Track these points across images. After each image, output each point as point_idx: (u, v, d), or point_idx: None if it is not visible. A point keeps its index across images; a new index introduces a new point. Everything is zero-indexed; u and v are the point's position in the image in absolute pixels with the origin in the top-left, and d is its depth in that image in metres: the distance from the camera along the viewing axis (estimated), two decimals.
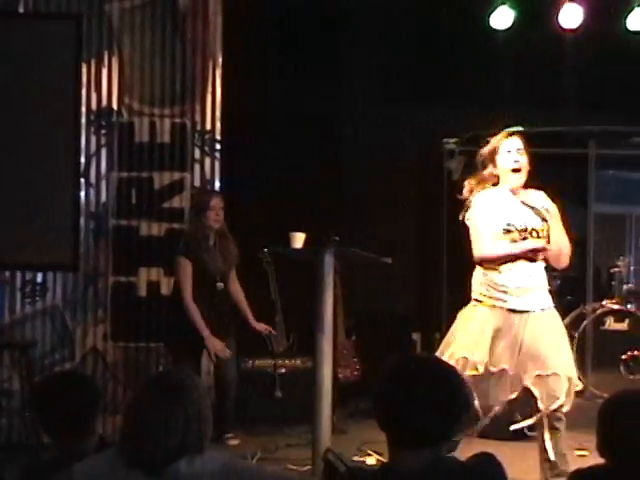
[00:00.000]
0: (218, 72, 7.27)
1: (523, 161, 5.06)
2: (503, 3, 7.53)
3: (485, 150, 5.14)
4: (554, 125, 5.50)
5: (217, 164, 7.30)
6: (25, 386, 6.74)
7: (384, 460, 3.02)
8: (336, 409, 6.49)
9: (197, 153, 7.28)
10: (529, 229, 5.01)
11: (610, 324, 7.90)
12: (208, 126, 7.27)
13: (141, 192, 7.27)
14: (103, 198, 7.27)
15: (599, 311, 7.89)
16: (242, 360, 7.25)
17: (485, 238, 5.01)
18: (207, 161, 7.29)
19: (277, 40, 8.02)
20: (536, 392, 4.92)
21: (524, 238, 4.99)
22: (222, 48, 7.28)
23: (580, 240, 5.29)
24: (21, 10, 7.23)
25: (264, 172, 7.92)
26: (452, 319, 5.28)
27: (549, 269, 5.19)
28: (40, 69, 7.12)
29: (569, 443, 5.10)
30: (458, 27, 7.87)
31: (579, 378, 5.13)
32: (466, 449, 4.99)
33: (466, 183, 5.20)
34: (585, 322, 7.71)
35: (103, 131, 7.25)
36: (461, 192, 5.24)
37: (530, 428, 5.35)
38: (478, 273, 5.10)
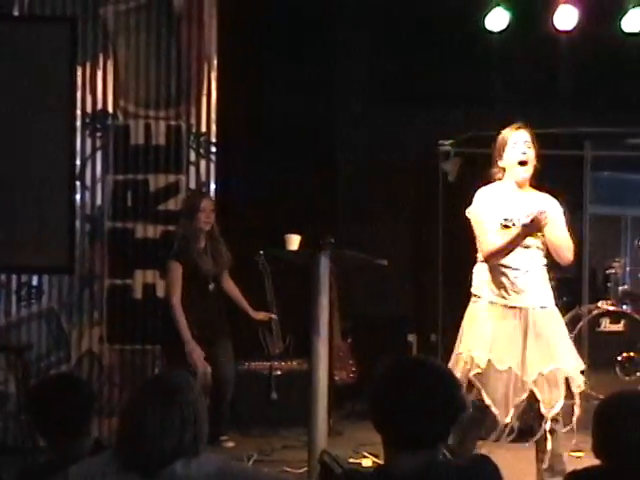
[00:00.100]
0: (213, 74, 7.27)
1: (530, 154, 5.02)
2: (498, 5, 7.53)
3: (495, 147, 5.10)
4: (549, 126, 5.49)
5: (212, 166, 7.29)
6: (21, 389, 6.73)
7: (380, 462, 3.01)
8: (332, 411, 6.50)
9: (192, 155, 7.28)
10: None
11: (606, 325, 7.90)
12: (203, 128, 7.26)
13: (136, 194, 7.26)
14: (98, 201, 7.26)
15: (595, 312, 7.89)
16: (238, 362, 7.24)
17: (488, 233, 4.99)
18: (202, 163, 7.28)
19: (272, 42, 8.02)
20: (539, 395, 4.91)
21: None
22: (217, 50, 7.28)
23: (576, 241, 5.27)
24: (16, 13, 7.23)
25: (259, 174, 7.93)
26: (448, 321, 5.28)
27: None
28: (35, 72, 7.12)
29: (565, 444, 5.10)
30: (453, 28, 7.88)
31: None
32: None
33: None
34: (581, 323, 7.70)
35: (98, 134, 7.25)
36: (457, 194, 5.23)
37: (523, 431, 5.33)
38: (479, 268, 5.09)
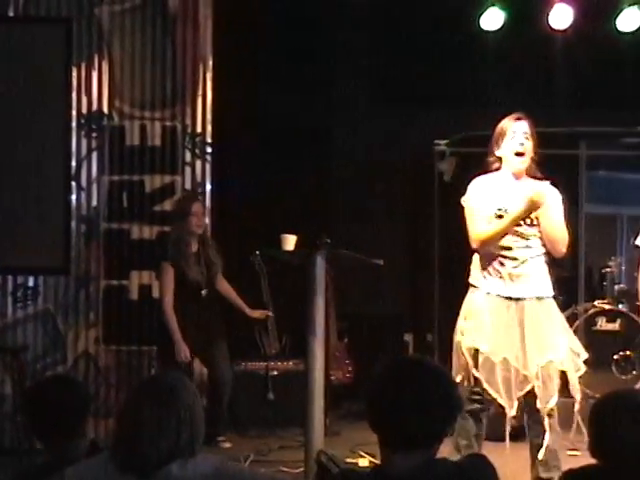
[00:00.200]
0: (209, 75, 7.27)
1: (528, 145, 5.00)
2: (493, 4, 7.53)
3: (494, 135, 5.08)
4: (545, 126, 5.48)
5: (208, 167, 7.30)
6: (17, 390, 6.73)
7: (377, 462, 3.02)
8: (329, 411, 6.49)
9: (188, 156, 7.28)
10: None
11: (602, 324, 7.90)
12: (199, 129, 7.26)
13: (132, 195, 7.26)
14: (94, 201, 7.26)
15: (591, 311, 7.89)
16: (234, 362, 7.24)
17: (479, 220, 4.97)
18: (198, 164, 7.28)
19: (267, 42, 8.02)
20: (537, 390, 4.90)
21: (517, 224, 4.96)
22: (212, 51, 7.28)
23: (571, 241, 5.26)
24: (11, 14, 7.23)
25: (255, 174, 7.93)
26: (444, 320, 5.27)
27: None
28: (30, 73, 7.12)
29: (561, 443, 5.10)
30: (448, 28, 7.88)
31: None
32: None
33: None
34: (577, 322, 7.71)
35: (94, 134, 7.25)
36: (452, 193, 5.22)
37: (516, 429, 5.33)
38: (476, 257, 5.08)
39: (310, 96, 8.10)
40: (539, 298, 4.99)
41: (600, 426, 3.00)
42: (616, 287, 8.34)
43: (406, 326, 8.45)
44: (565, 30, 7.53)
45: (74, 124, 7.20)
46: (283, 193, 8.04)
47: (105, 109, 7.24)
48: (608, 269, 8.39)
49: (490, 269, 4.98)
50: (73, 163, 7.22)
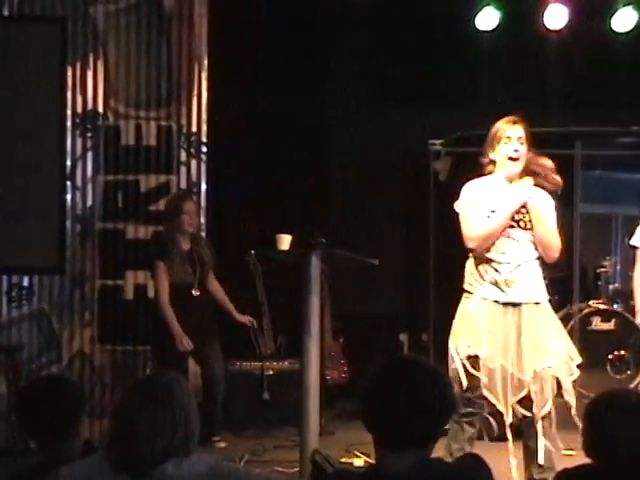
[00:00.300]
0: (204, 74, 7.27)
1: (522, 151, 5.00)
2: (488, 4, 7.54)
3: (488, 137, 5.08)
4: (540, 126, 5.48)
5: (203, 166, 7.29)
6: (12, 390, 6.72)
7: (372, 461, 3.02)
8: (324, 411, 6.50)
9: (183, 156, 7.28)
10: (516, 217, 4.98)
11: (597, 324, 7.92)
12: (194, 128, 7.26)
13: (127, 195, 7.26)
14: (89, 201, 7.26)
15: (585, 311, 7.90)
16: (230, 362, 7.24)
17: (472, 220, 4.97)
18: (193, 163, 7.28)
19: (263, 42, 8.01)
20: (533, 396, 4.90)
21: (510, 226, 4.97)
22: (208, 50, 7.28)
23: (566, 240, 5.27)
24: (6, 13, 7.23)
25: (250, 174, 7.93)
26: (440, 320, 5.27)
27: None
28: (25, 72, 7.12)
29: (555, 443, 5.10)
30: (443, 28, 7.88)
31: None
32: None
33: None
34: (572, 322, 7.71)
35: (89, 134, 7.25)
36: (448, 193, 5.22)
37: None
38: (470, 263, 5.08)
39: (306, 96, 8.10)
40: (536, 303, 5.00)
41: (594, 425, 3.00)
42: (611, 287, 8.35)
43: (401, 326, 8.45)
44: (560, 30, 7.55)
45: (69, 124, 7.20)
46: (278, 193, 8.04)
47: (100, 109, 7.24)
48: (603, 269, 8.40)
49: (485, 275, 4.97)
50: (68, 163, 7.21)
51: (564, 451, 5.12)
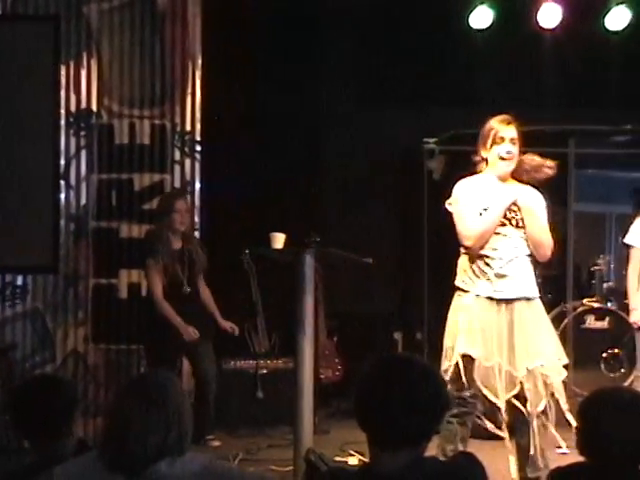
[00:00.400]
0: (198, 73, 7.26)
1: (514, 151, 5.03)
2: (482, 3, 7.55)
3: (481, 134, 5.09)
4: (534, 124, 5.49)
5: (197, 165, 7.28)
6: (5, 389, 6.71)
7: (366, 460, 3.02)
8: (318, 409, 6.50)
9: (177, 154, 7.27)
10: (508, 215, 4.99)
11: (591, 322, 7.93)
12: (188, 127, 7.25)
13: (121, 194, 7.25)
14: (83, 200, 7.25)
15: (580, 309, 7.92)
16: (224, 361, 7.24)
17: (467, 218, 4.98)
18: (187, 162, 7.27)
19: (257, 40, 8.01)
20: (527, 393, 4.91)
21: (502, 224, 4.97)
22: (202, 49, 7.27)
23: (560, 239, 5.28)
24: None
25: (244, 173, 7.92)
26: (434, 318, 5.27)
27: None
28: (18, 71, 7.10)
29: (549, 441, 5.10)
30: (437, 27, 7.89)
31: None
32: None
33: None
34: (566, 320, 7.74)
35: (82, 133, 7.23)
36: (442, 192, 5.22)
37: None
38: (462, 260, 5.08)
39: (300, 95, 8.11)
40: (528, 299, 5.01)
41: (588, 424, 3.00)
42: (605, 285, 8.37)
43: (396, 324, 8.44)
44: (554, 29, 7.55)
45: (63, 122, 7.19)
46: (273, 191, 8.04)
47: (94, 107, 7.23)
48: (597, 267, 8.42)
49: (477, 271, 4.98)
50: (62, 161, 7.20)
51: (558, 449, 5.13)
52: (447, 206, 5.10)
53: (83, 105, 7.22)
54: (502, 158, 5.01)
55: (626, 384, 7.00)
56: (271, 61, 8.00)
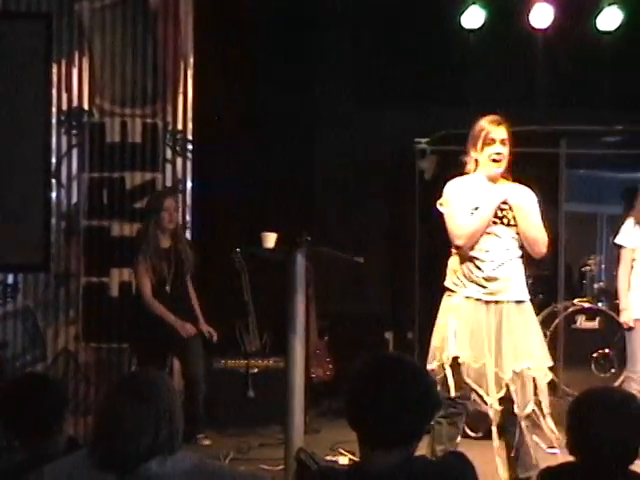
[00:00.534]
0: (189, 72, 7.25)
1: (505, 153, 5.03)
2: (474, 3, 7.56)
3: (471, 134, 5.08)
4: (525, 124, 5.51)
5: (189, 164, 7.28)
6: None
7: (357, 459, 3.02)
8: (309, 409, 6.50)
9: (169, 153, 7.26)
10: (499, 214, 4.99)
11: (581, 322, 7.94)
12: (180, 126, 7.25)
13: (112, 192, 7.24)
14: (74, 198, 7.24)
15: (570, 309, 7.93)
16: (215, 360, 7.24)
17: (459, 218, 4.97)
18: (179, 161, 7.27)
19: (249, 39, 8.01)
20: (514, 396, 4.91)
21: (493, 223, 4.97)
22: (193, 48, 7.26)
23: (551, 239, 5.27)
24: None
25: (236, 172, 7.92)
26: (425, 318, 5.26)
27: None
28: (10, 69, 7.09)
29: (539, 441, 5.11)
30: (429, 27, 7.89)
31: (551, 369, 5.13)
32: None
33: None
34: (556, 320, 7.74)
35: (74, 131, 7.22)
36: (433, 192, 5.22)
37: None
38: (452, 261, 5.08)
39: (293, 95, 8.10)
40: (517, 302, 5.01)
41: (578, 423, 3.01)
42: (596, 285, 8.38)
43: (387, 324, 8.45)
44: (546, 29, 7.57)
45: (54, 121, 7.18)
46: (264, 191, 8.04)
47: (85, 106, 7.22)
48: (588, 267, 8.43)
49: (468, 273, 4.98)
50: (53, 160, 7.19)
51: (548, 449, 5.14)
52: (438, 206, 5.10)
53: (75, 103, 7.21)
54: (493, 160, 5.01)
55: (616, 384, 7.01)
56: (270, 61, 8.00)
